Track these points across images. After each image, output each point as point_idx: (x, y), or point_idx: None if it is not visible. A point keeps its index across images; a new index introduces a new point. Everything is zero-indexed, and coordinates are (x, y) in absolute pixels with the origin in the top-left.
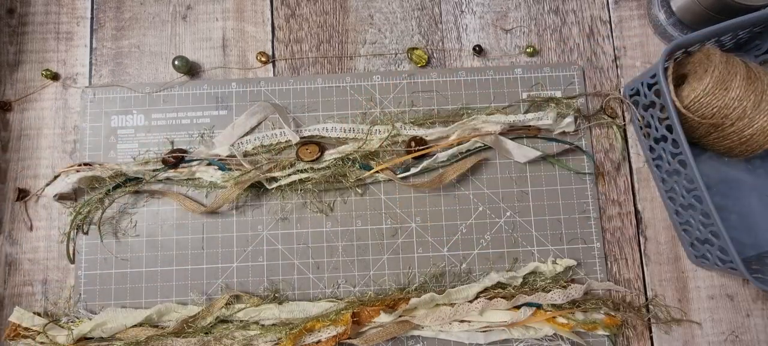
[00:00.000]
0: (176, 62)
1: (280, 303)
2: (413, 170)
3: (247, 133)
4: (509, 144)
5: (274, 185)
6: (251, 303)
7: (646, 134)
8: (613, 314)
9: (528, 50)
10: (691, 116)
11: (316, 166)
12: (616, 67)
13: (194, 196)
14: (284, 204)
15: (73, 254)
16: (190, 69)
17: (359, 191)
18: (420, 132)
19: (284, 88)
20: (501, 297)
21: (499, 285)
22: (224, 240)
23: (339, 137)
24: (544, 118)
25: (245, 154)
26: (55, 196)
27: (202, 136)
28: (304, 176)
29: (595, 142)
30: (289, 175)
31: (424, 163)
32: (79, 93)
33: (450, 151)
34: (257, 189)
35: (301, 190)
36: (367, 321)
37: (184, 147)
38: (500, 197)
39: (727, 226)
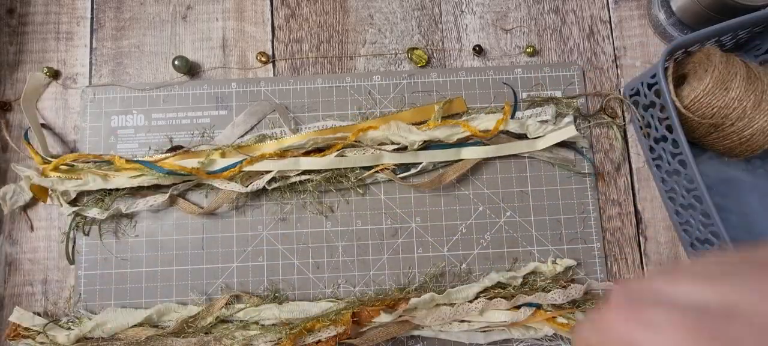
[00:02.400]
0: (176, 62)
1: (280, 303)
2: (413, 170)
3: (247, 133)
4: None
5: (274, 185)
6: (251, 303)
7: (646, 134)
8: None
9: (528, 50)
10: (691, 116)
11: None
12: (616, 67)
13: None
14: (284, 204)
15: (73, 254)
16: (190, 69)
17: (360, 191)
18: (423, 136)
19: (284, 88)
20: (501, 297)
21: (499, 285)
22: (224, 240)
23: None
24: (542, 115)
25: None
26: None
27: (202, 136)
28: (304, 176)
29: (595, 142)
30: (289, 176)
31: (424, 163)
32: (79, 93)
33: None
34: (258, 189)
35: (301, 191)
36: (367, 321)
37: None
38: (500, 197)
39: (727, 226)
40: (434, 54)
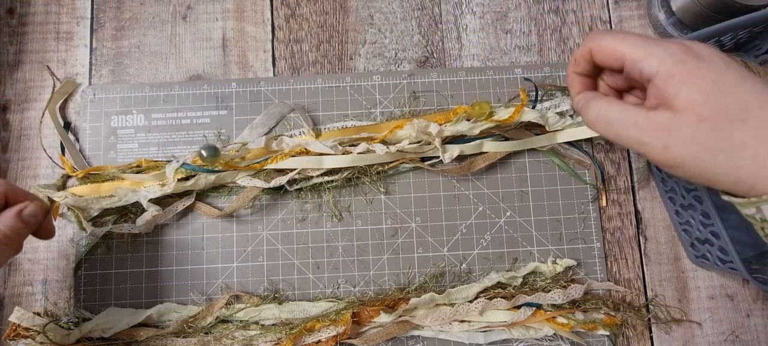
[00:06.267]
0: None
1: (280, 303)
2: (448, 159)
3: (266, 134)
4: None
5: (295, 186)
6: (251, 303)
7: None
8: (613, 314)
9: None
10: None
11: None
12: None
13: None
14: (284, 204)
15: (78, 266)
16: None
17: (383, 189)
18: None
19: (284, 88)
20: (501, 297)
21: (499, 285)
22: (224, 240)
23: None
24: (561, 105)
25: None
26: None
27: (219, 136)
28: (325, 178)
29: (595, 141)
30: (312, 177)
31: (455, 155)
32: (79, 93)
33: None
34: (278, 191)
35: (320, 191)
36: (367, 321)
37: (185, 147)
38: (500, 197)
39: (727, 226)
40: (434, 54)
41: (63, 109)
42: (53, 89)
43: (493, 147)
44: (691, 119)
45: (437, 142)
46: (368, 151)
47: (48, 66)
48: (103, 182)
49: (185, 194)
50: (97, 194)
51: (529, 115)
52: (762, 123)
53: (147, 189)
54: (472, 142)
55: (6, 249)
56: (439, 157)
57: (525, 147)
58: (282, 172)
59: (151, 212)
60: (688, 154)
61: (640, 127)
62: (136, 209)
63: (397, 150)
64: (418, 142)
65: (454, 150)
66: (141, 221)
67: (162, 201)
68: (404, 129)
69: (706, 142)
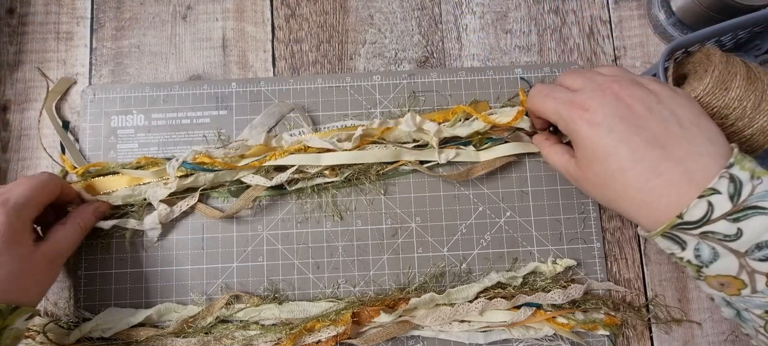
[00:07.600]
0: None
1: (280, 303)
2: (443, 160)
3: (265, 133)
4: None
5: (295, 186)
6: (251, 303)
7: None
8: (613, 314)
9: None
10: None
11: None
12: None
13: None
14: (284, 204)
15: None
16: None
17: (382, 190)
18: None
19: (284, 88)
20: (501, 297)
21: (499, 285)
22: (224, 240)
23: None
24: None
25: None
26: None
27: (219, 136)
28: (326, 179)
29: None
30: (313, 176)
31: (452, 157)
32: (79, 93)
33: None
34: (278, 190)
35: (319, 191)
36: (367, 321)
37: (185, 147)
38: (500, 197)
39: None
40: (434, 54)
41: (61, 109)
42: (47, 89)
43: (491, 154)
44: (582, 175)
45: (434, 142)
46: (363, 149)
47: (38, 67)
48: (105, 175)
49: (188, 192)
50: (102, 187)
51: (524, 123)
52: (622, 188)
53: (154, 190)
54: (470, 145)
55: (80, 239)
56: (436, 160)
57: (523, 150)
58: (281, 169)
59: (159, 210)
60: (591, 198)
61: (562, 171)
62: (135, 209)
63: (396, 148)
64: (417, 142)
65: (451, 152)
66: (148, 221)
67: (164, 201)
68: (402, 125)
69: (594, 194)
